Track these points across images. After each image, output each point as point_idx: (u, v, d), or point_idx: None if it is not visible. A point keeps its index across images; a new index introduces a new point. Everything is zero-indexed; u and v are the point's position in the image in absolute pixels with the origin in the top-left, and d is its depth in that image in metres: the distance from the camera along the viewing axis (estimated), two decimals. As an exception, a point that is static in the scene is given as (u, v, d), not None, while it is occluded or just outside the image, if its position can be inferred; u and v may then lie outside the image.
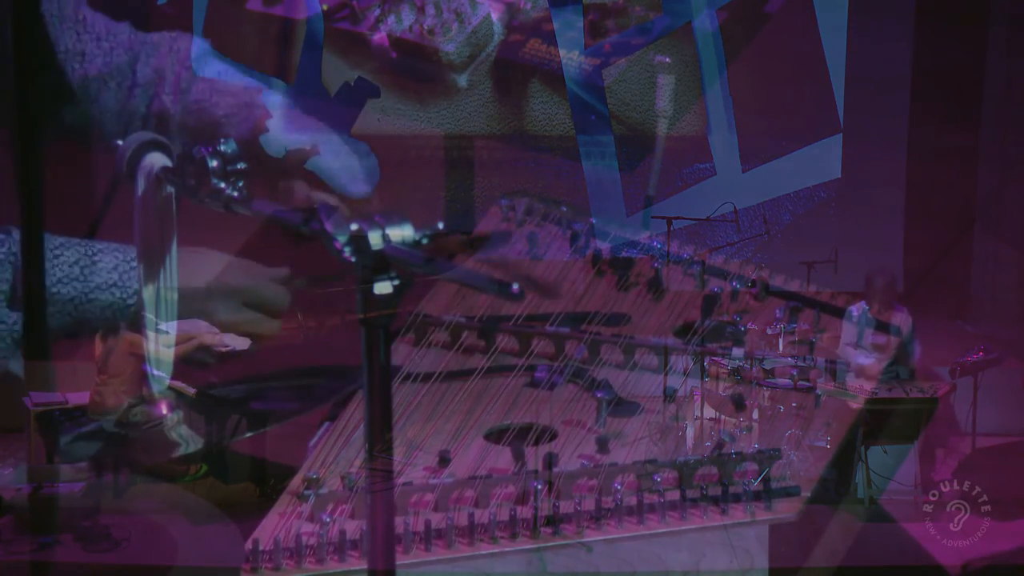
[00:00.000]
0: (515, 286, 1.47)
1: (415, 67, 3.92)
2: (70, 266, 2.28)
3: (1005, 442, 3.75)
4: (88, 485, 2.19)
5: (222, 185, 1.89)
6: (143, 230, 2.05)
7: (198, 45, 2.69)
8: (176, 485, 2.43)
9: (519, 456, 2.27)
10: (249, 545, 2.06)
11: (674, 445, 2.35)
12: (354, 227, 1.58)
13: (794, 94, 4.19)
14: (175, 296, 2.09)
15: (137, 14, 2.65)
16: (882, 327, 2.73)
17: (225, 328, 2.38)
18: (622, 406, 2.44)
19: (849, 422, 2.45)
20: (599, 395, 2.41)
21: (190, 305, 2.16)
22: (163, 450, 2.14)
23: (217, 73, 2.69)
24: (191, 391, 2.18)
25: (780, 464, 2.28)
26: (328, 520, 2.10)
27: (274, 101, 2.60)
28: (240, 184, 1.89)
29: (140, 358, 2.13)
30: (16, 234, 2.31)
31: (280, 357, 2.56)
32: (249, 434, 2.19)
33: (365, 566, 1.64)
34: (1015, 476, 3.46)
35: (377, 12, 3.92)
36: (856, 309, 2.70)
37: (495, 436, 2.36)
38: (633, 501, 2.18)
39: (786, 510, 2.22)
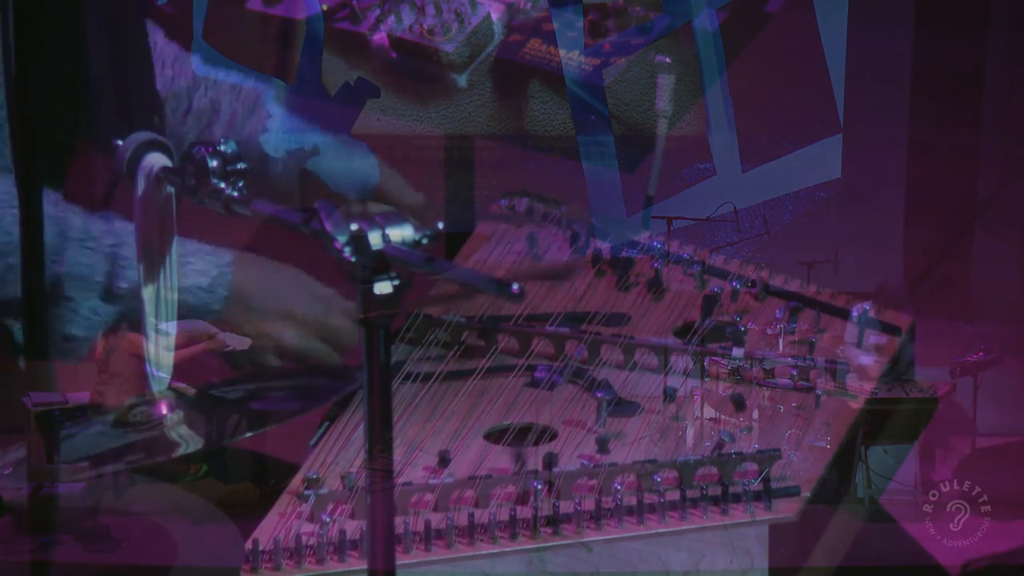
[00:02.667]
0: (515, 286, 1.47)
1: (415, 67, 3.92)
2: (199, 275, 2.30)
3: (1005, 442, 3.75)
4: (88, 485, 2.19)
5: (222, 185, 1.90)
6: (143, 230, 2.06)
7: (261, 89, 2.73)
8: (176, 485, 2.43)
9: (519, 456, 2.27)
10: (249, 545, 2.06)
11: (674, 445, 2.35)
12: (354, 227, 1.59)
13: (794, 94, 4.19)
14: (175, 296, 2.09)
15: (204, 50, 2.69)
16: (882, 327, 2.72)
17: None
18: (622, 406, 2.44)
19: (849, 422, 2.45)
20: (599, 395, 2.41)
21: (251, 323, 2.19)
22: (163, 450, 2.14)
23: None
24: (191, 391, 2.18)
25: (780, 464, 2.28)
26: (328, 520, 2.10)
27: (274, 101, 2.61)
28: (240, 184, 1.90)
29: (141, 358, 2.14)
30: (116, 224, 2.31)
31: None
32: (249, 434, 2.19)
33: (365, 566, 1.64)
34: (1015, 476, 3.46)
35: (377, 12, 3.92)
36: (856, 310, 2.71)
37: (495, 436, 2.36)
38: (633, 501, 2.18)
39: (786, 510, 2.22)
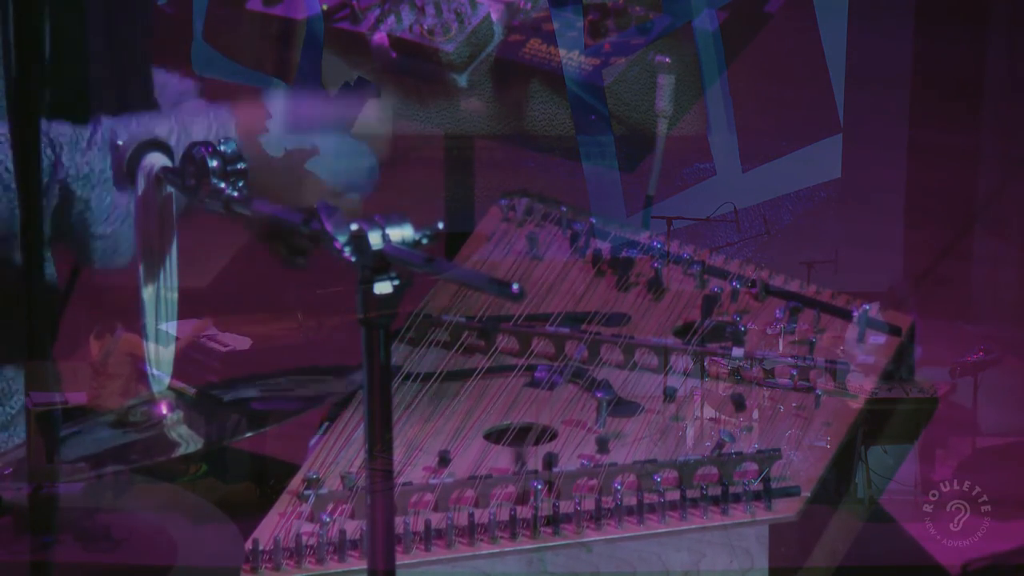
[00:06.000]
0: (515, 286, 1.47)
1: (415, 67, 3.91)
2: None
3: (1005, 442, 3.75)
4: (88, 485, 2.19)
5: (222, 185, 1.90)
6: (143, 230, 2.06)
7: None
8: (176, 485, 2.43)
9: (519, 456, 2.27)
10: (249, 545, 2.06)
11: (674, 445, 2.35)
12: (354, 227, 1.59)
13: (794, 94, 4.18)
14: (175, 296, 2.09)
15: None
16: (881, 327, 2.72)
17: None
18: (622, 406, 2.44)
19: (849, 422, 2.45)
20: (599, 395, 2.41)
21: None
22: (163, 450, 2.14)
23: None
24: (191, 391, 2.18)
25: (780, 464, 2.28)
26: (328, 520, 2.10)
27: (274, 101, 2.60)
28: (240, 184, 1.90)
29: (138, 359, 2.14)
30: (108, 121, 2.22)
31: (280, 357, 2.56)
32: (249, 434, 2.19)
33: (365, 566, 1.64)
34: (1015, 476, 3.46)
35: (377, 12, 3.92)
36: (856, 310, 2.71)
37: (495, 436, 2.37)
38: (633, 501, 2.18)
39: (786, 510, 2.22)
